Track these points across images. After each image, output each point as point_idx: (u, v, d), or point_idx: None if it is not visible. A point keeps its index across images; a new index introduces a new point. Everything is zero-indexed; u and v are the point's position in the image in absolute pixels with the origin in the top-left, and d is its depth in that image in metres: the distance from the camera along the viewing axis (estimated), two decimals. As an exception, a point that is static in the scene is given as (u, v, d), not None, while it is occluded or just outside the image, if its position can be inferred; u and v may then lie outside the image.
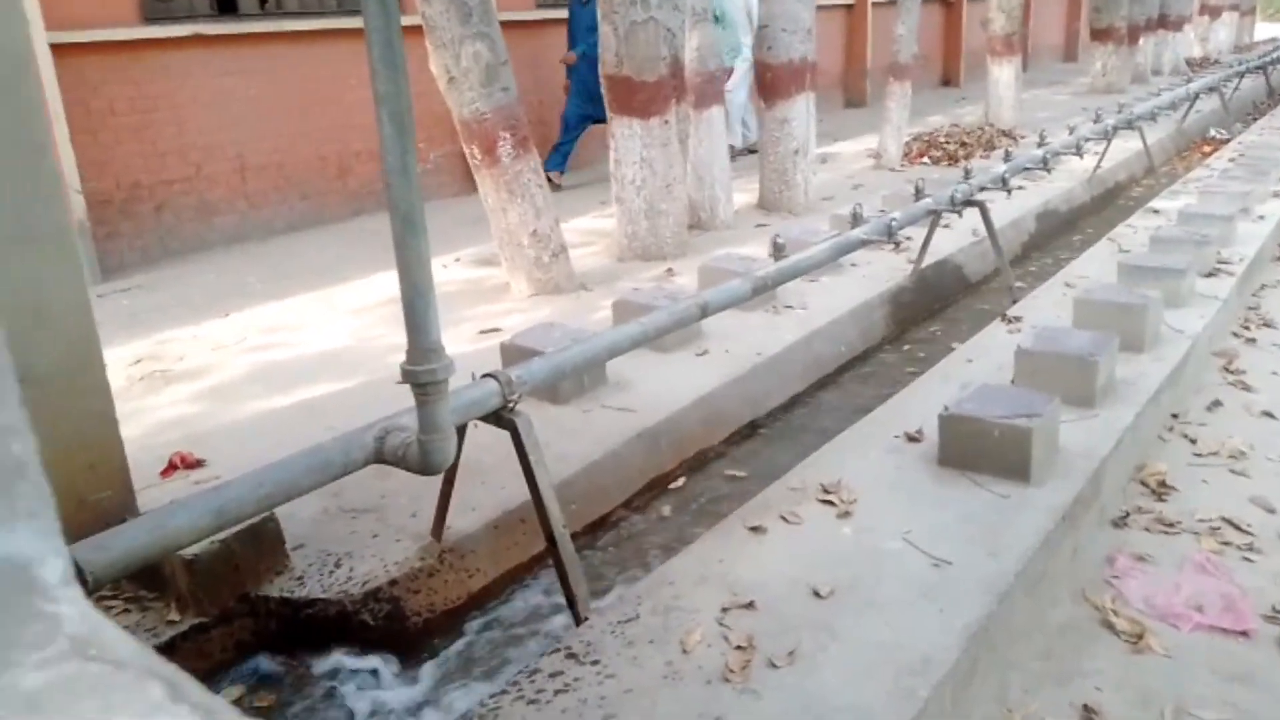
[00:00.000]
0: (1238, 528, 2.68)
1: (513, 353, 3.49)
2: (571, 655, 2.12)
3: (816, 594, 2.26)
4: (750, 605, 2.23)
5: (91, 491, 2.39)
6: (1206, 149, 9.52)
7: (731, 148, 7.34)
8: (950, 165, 8.09)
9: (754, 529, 2.55)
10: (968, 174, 5.06)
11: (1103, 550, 2.63)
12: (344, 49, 6.89)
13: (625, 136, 5.40)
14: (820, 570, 2.35)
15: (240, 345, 4.47)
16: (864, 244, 3.97)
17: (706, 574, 2.37)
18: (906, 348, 4.73)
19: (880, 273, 5.05)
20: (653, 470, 3.34)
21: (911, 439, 3.00)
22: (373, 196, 7.17)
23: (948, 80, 15.23)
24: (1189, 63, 16.03)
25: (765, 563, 2.41)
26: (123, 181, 5.99)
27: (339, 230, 6.86)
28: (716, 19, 7.28)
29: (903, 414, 3.18)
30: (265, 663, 2.51)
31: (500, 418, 2.42)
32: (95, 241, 5.76)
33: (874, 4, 12.90)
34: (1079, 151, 6.43)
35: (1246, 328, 4.24)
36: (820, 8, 7.85)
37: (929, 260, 5.05)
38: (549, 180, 5.66)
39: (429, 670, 2.51)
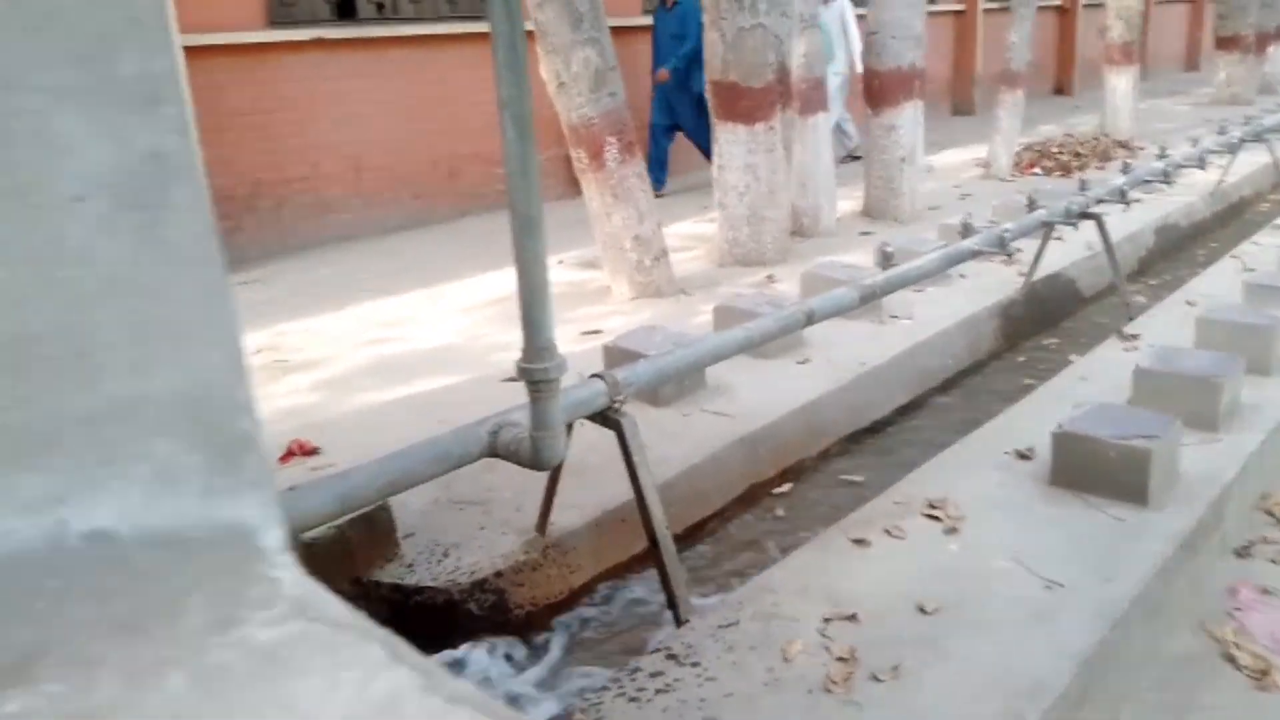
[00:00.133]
0: (1375, 564, 2.54)
1: (615, 354, 3.53)
2: (672, 656, 2.14)
3: (921, 610, 2.22)
4: (853, 617, 2.21)
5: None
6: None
7: None
8: (1063, 176, 7.84)
9: (857, 541, 2.53)
10: (1084, 186, 4.90)
11: (1224, 581, 2.52)
12: (455, 53, 7.08)
13: (729, 142, 5.40)
14: (925, 586, 2.31)
15: (354, 339, 4.64)
16: (975, 255, 3.88)
17: (808, 584, 2.36)
18: (1018, 362, 4.60)
19: (989, 285, 4.93)
20: (752, 476, 3.33)
21: (1022, 457, 2.92)
22: (479, 198, 7.34)
23: (1060, 89, 14.76)
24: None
25: (868, 576, 2.38)
26: (245, 179, 6.27)
27: (447, 230, 7.04)
28: None
29: (1012, 431, 3.11)
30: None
31: (606, 417, 2.45)
32: (219, 236, 6.04)
33: (985, 10, 12.60)
34: (1202, 164, 6.16)
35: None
36: (929, 14, 7.70)
37: (1040, 274, 4.91)
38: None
39: (534, 662, 2.56)
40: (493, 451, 2.26)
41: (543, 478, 2.67)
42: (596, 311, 4.82)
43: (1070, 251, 5.43)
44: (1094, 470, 2.64)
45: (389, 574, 2.62)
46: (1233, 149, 6.83)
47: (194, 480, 0.43)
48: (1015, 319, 4.81)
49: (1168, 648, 2.28)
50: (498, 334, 4.48)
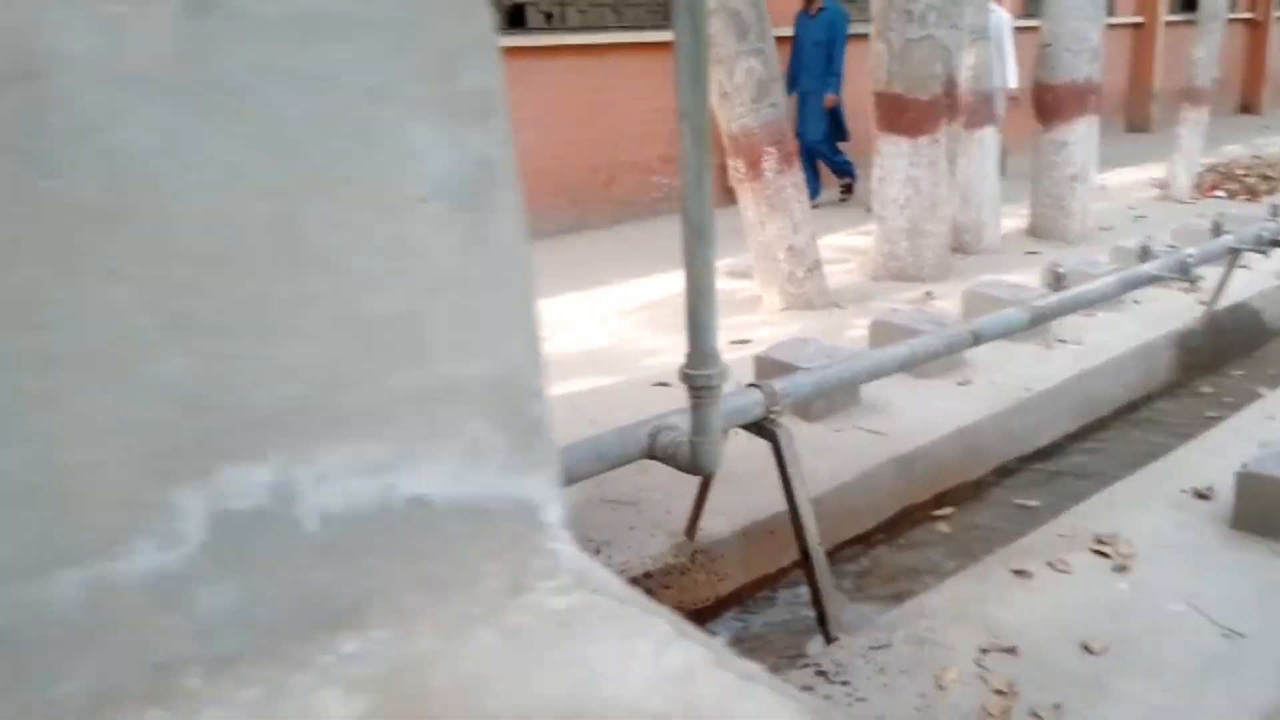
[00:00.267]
0: None
1: (766, 365, 3.53)
2: (821, 673, 2.13)
3: (1087, 649, 2.13)
4: (1012, 650, 2.14)
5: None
6: None
7: None
8: (1249, 200, 7.34)
9: (1017, 573, 2.45)
10: (1274, 211, 4.57)
11: None
12: (616, 63, 7.23)
13: (891, 154, 5.31)
14: (1091, 624, 2.21)
15: (509, 337, 4.79)
16: (1154, 280, 3.69)
17: (965, 613, 2.30)
18: (1197, 395, 4.34)
19: (1165, 312, 4.66)
20: (905, 498, 3.26)
21: (1200, 496, 2.76)
22: (634, 206, 7.46)
23: (1247, 107, 13.80)
24: None
25: (1029, 608, 2.30)
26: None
27: (602, 236, 7.19)
28: None
29: (1190, 468, 2.93)
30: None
31: (762, 428, 2.46)
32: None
33: (1166, 22, 11.91)
34: None
35: None
36: (1106, 26, 7.35)
37: (1224, 302, 4.61)
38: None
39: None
40: (651, 454, 2.30)
41: (692, 482, 2.70)
42: (746, 321, 4.83)
43: (1257, 280, 5.07)
44: (1284, 516, 2.47)
45: (543, 566, 2.71)
46: None
47: (495, 457, 0.48)
48: (1194, 349, 4.53)
49: (1365, 713, 2.11)
50: (649, 339, 4.55)
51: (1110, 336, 4.31)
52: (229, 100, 0.40)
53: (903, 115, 5.23)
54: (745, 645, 2.69)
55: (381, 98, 0.43)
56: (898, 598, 2.76)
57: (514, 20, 6.98)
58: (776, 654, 2.64)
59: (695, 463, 2.24)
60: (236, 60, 0.40)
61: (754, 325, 4.74)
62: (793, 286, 4.92)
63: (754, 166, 4.76)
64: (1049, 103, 6.23)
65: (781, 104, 4.78)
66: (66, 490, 0.38)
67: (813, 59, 7.41)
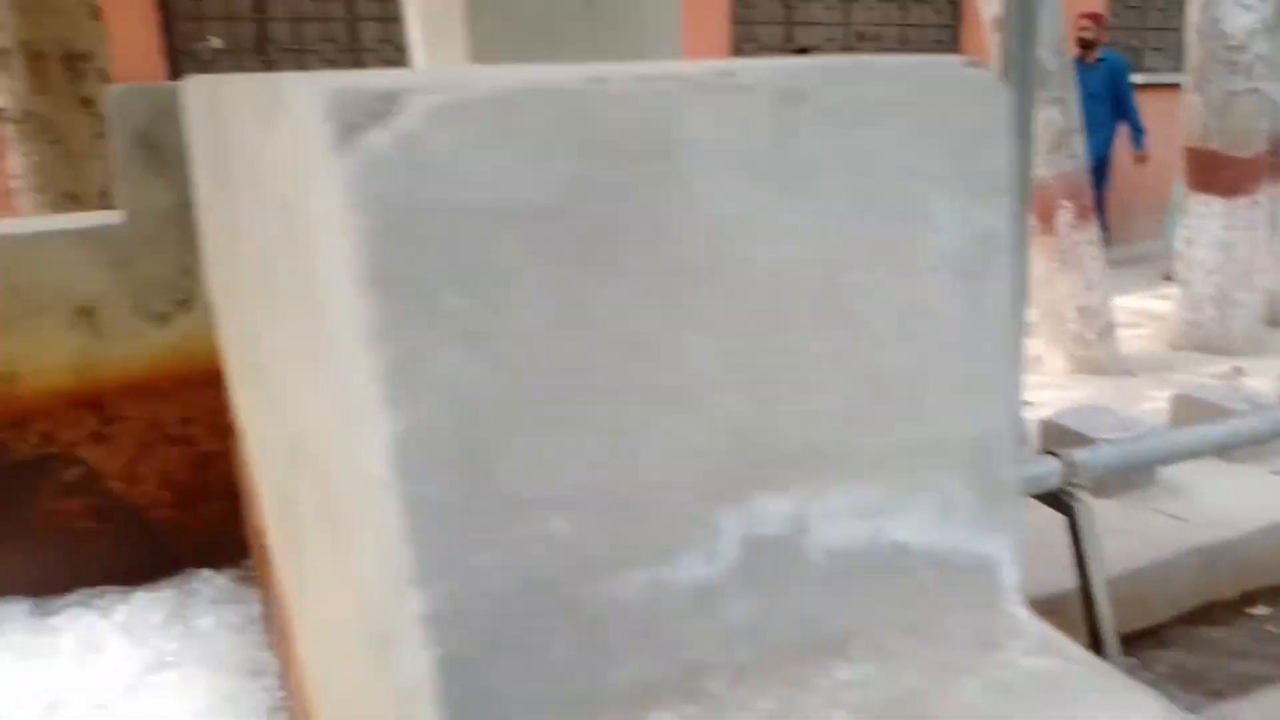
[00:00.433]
0: None
1: (1055, 431, 3.33)
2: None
3: None
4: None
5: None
6: None
7: None
8: None
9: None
10: None
11: None
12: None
13: (1202, 215, 4.90)
14: None
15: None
16: None
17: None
18: None
19: None
20: (1207, 593, 2.97)
21: None
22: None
23: None
24: None
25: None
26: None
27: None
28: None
29: None
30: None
31: (1059, 500, 2.33)
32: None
33: None
34: None
35: None
36: None
37: None
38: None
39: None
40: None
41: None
42: (1027, 381, 4.59)
43: None
44: None
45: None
46: None
47: (964, 514, 0.50)
48: None
49: None
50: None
51: None
52: (799, 177, 0.45)
53: (1218, 174, 4.82)
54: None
55: (912, 175, 0.48)
56: (1195, 702, 2.51)
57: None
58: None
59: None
60: (809, 142, 0.46)
61: (1036, 387, 4.49)
62: (1080, 349, 4.63)
63: (1047, 220, 4.54)
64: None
65: (1082, 156, 4.54)
66: (644, 503, 0.45)
67: (1088, 111, 6.91)
